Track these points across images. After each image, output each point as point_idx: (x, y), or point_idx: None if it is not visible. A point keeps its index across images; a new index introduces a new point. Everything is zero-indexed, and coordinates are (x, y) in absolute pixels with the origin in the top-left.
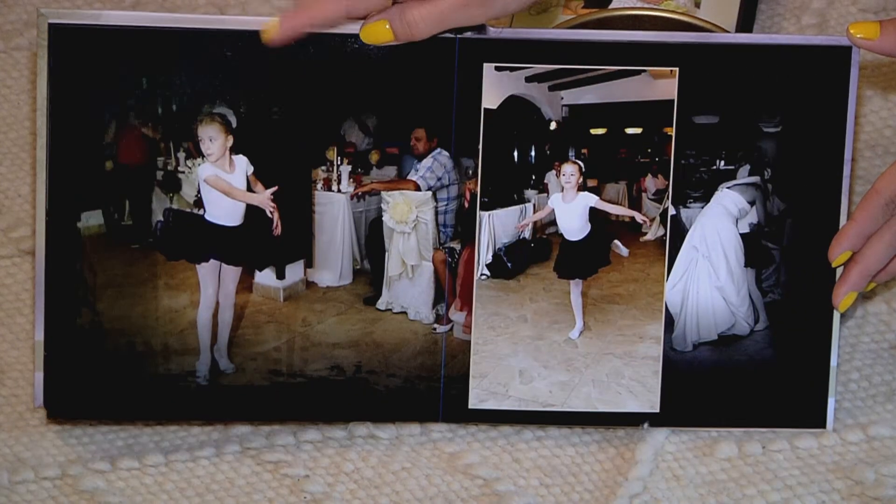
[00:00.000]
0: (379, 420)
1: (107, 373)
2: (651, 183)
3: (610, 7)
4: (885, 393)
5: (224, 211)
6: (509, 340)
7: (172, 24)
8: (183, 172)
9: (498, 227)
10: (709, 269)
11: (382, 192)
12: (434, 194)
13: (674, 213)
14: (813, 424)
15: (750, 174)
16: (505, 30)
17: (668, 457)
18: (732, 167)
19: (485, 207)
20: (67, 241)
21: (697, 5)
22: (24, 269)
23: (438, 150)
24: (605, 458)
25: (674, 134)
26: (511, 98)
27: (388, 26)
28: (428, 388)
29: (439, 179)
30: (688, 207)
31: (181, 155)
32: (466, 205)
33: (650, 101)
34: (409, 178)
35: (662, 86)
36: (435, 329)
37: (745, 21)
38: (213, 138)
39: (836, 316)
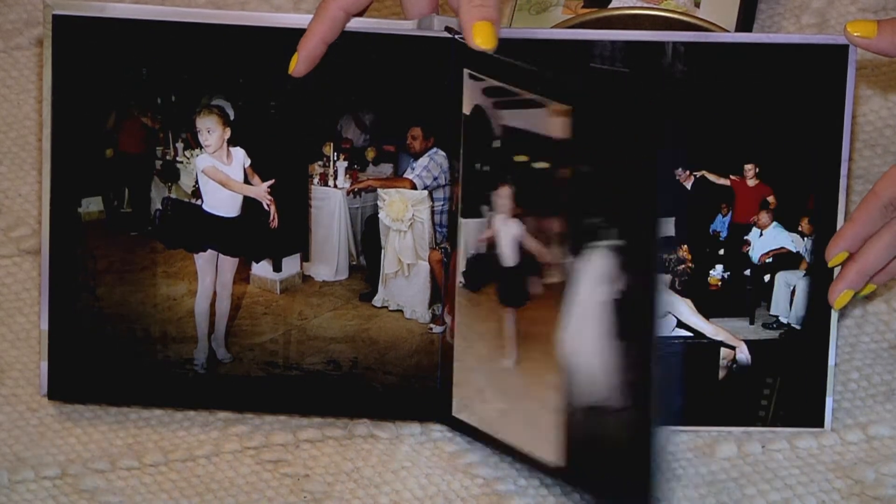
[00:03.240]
0: (375, 417)
1: (106, 358)
2: None
3: (610, 7)
4: (885, 393)
5: (221, 202)
6: (473, 355)
7: (174, 17)
8: (181, 163)
9: (470, 235)
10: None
11: (378, 190)
12: (430, 193)
13: None
14: (812, 424)
15: None
16: (502, 29)
17: (668, 457)
18: None
19: (465, 214)
20: (68, 227)
21: (697, 5)
22: (25, 269)
23: (435, 149)
24: None
25: None
26: (476, 108)
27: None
28: (424, 388)
29: (435, 179)
30: None
31: (180, 145)
32: (453, 208)
33: None
34: (405, 176)
35: None
36: (431, 329)
37: (745, 21)
38: (210, 130)
39: (835, 315)
